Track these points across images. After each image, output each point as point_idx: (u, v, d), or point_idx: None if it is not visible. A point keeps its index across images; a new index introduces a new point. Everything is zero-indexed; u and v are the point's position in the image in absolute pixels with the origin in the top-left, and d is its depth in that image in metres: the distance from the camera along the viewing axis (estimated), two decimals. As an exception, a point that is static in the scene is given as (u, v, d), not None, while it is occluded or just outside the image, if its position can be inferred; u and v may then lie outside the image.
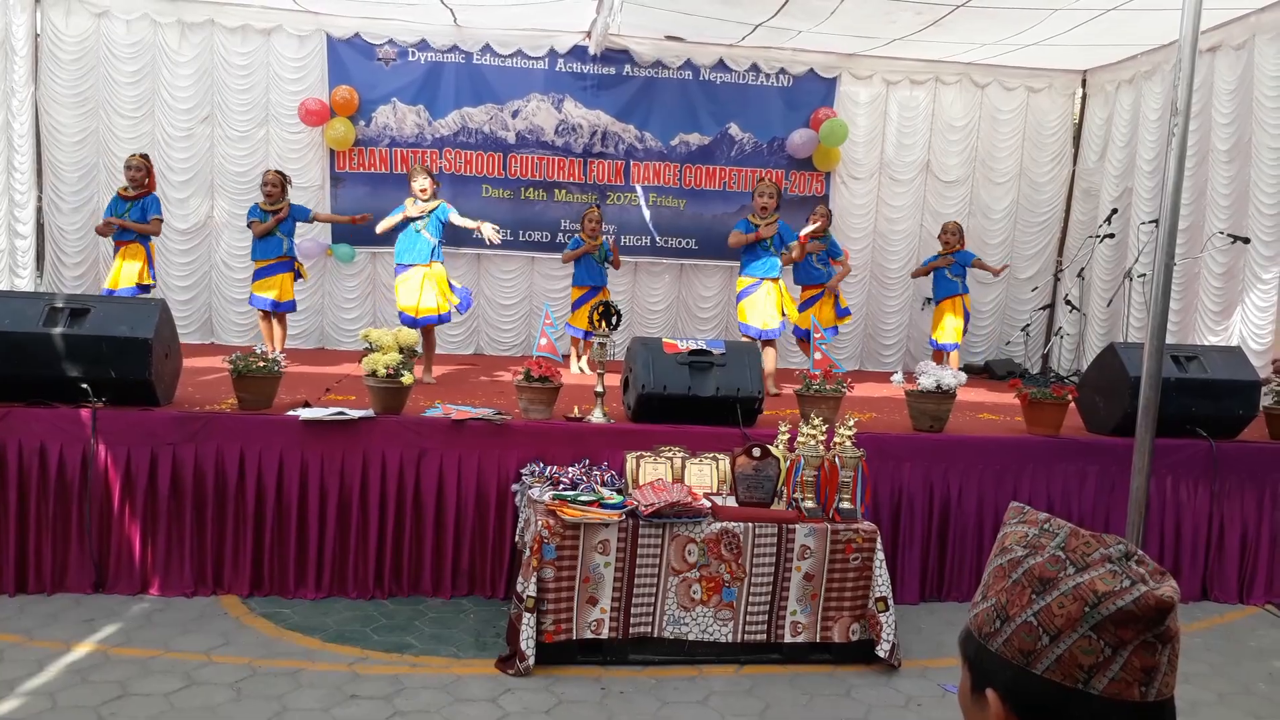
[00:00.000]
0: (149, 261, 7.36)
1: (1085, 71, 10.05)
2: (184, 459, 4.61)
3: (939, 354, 8.46)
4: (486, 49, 9.42)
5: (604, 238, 8.28)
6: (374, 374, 4.85)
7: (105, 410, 4.59)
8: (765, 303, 7.06)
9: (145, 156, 7.53)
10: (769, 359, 6.86)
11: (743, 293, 7.20)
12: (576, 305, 8.10)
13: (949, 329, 8.38)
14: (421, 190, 7.09)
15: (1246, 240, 7.62)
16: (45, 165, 9.01)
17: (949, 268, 8.48)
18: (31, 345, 4.60)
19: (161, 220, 7.45)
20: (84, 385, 4.59)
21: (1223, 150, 8.00)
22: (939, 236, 8.67)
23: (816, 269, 8.20)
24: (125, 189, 7.34)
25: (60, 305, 4.77)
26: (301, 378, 6.69)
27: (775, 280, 7.10)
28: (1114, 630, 0.91)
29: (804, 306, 8.10)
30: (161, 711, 3.49)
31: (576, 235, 8.28)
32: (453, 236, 9.69)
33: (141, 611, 4.40)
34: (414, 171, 7.30)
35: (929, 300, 9.95)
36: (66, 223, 9.08)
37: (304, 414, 4.73)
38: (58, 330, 4.64)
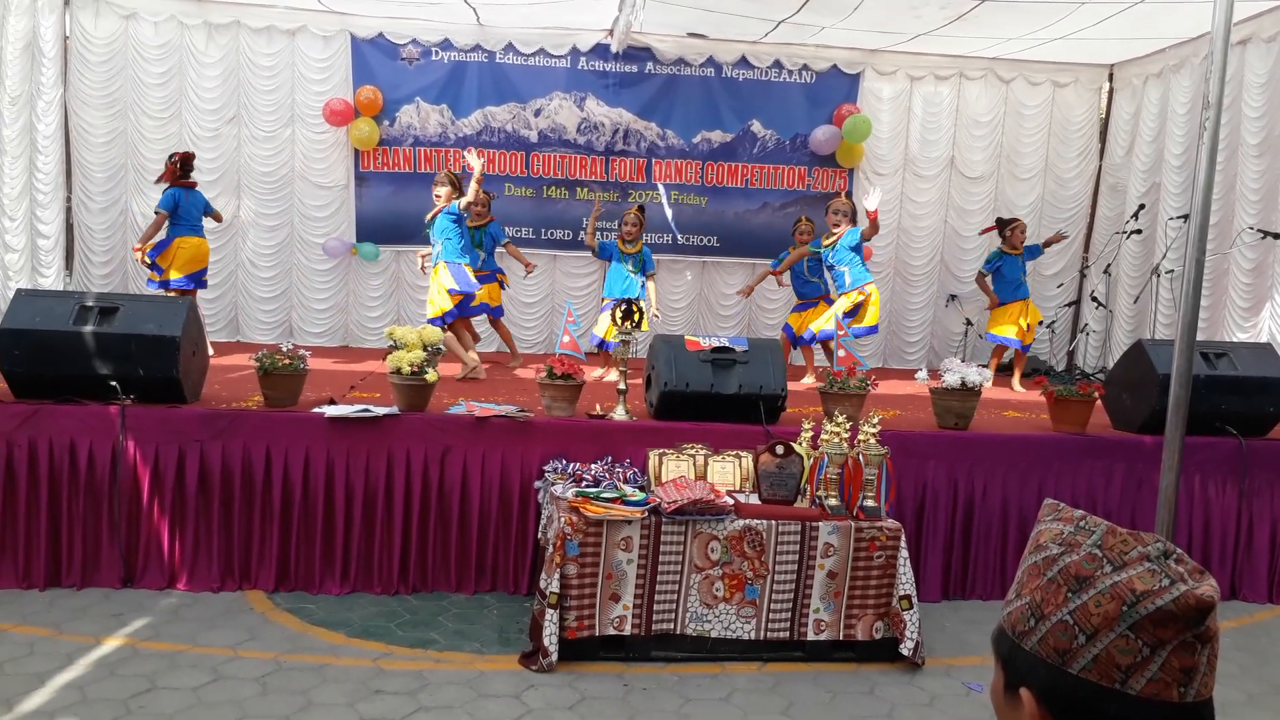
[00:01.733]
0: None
1: (1112, 66, 9.94)
2: (211, 455, 4.66)
3: (1006, 350, 8.31)
4: (509, 48, 9.43)
5: (643, 242, 8.03)
6: (398, 371, 4.88)
7: (134, 407, 4.64)
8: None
9: None
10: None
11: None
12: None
13: (1018, 328, 8.12)
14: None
15: (1277, 236, 7.52)
16: (74, 165, 9.10)
17: (1020, 261, 8.24)
18: (62, 343, 4.66)
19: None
20: (113, 383, 4.64)
21: (1253, 144, 7.89)
22: (1008, 236, 8.30)
23: (811, 281, 8.10)
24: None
25: (90, 304, 4.83)
26: (326, 375, 6.73)
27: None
28: (1153, 630, 0.89)
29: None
30: (189, 705, 3.53)
31: (612, 240, 8.09)
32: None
33: (169, 606, 4.45)
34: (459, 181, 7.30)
35: (953, 297, 9.90)
36: (95, 222, 9.18)
37: (329, 411, 4.76)
38: (87, 328, 4.70)
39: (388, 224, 9.44)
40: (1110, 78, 10.07)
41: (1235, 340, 7.66)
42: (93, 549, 4.62)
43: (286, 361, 4.92)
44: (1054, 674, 0.94)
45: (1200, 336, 7.97)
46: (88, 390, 4.68)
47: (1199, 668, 0.91)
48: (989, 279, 8.42)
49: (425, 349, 4.99)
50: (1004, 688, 1.00)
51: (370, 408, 4.83)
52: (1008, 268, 8.28)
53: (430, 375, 4.91)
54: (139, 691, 3.60)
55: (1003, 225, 8.45)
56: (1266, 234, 7.57)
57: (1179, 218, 8.32)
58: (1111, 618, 0.91)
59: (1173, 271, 8.27)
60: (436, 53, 9.39)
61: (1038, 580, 0.98)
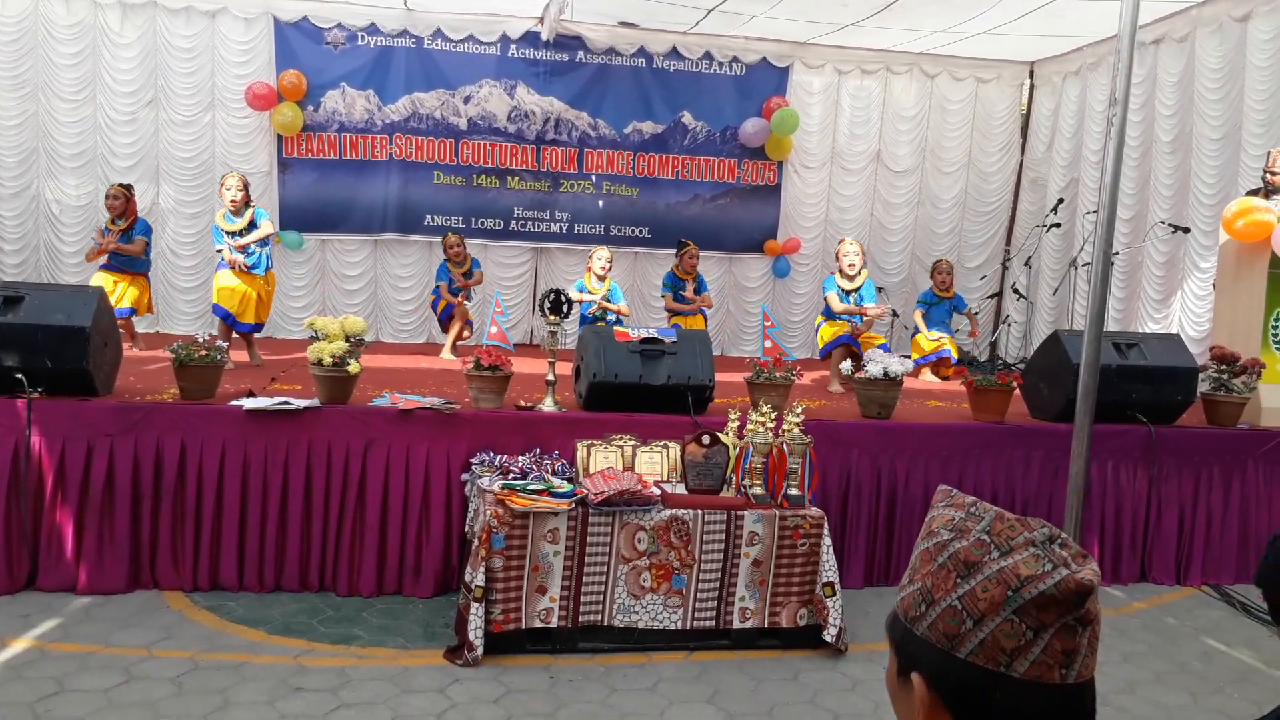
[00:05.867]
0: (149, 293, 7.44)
1: (1033, 63, 10.20)
2: (123, 450, 4.50)
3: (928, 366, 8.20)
4: (438, 33, 9.31)
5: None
6: (320, 362, 4.78)
7: (41, 400, 4.47)
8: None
9: (126, 186, 7.42)
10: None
11: None
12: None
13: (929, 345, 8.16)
14: (232, 201, 6.91)
15: (1187, 230, 7.79)
16: (-20, 149, 8.75)
17: (945, 307, 8.29)
18: (-37, 334, 4.47)
19: (147, 242, 7.32)
20: (19, 375, 4.46)
21: (1166, 141, 8.17)
22: (933, 275, 8.35)
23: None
24: (111, 221, 7.25)
25: (-7, 293, 4.64)
26: (246, 367, 6.57)
27: None
28: (1035, 614, 0.91)
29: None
30: (99, 708, 3.42)
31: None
32: (405, 223, 9.60)
33: (80, 607, 4.30)
34: (226, 180, 7.02)
35: (879, 289, 10.05)
36: (6, 209, 8.84)
37: (248, 404, 4.64)
38: (-10, 318, 4.51)
39: (312, 211, 9.28)
40: (1031, 75, 10.33)
41: (1148, 331, 7.92)
42: (-2, 548, 4.44)
43: (203, 353, 4.78)
44: (943, 658, 0.95)
45: (1116, 327, 8.27)
46: (-9, 383, 4.49)
47: (1080, 649, 0.93)
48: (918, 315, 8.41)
49: (348, 340, 4.90)
50: (897, 673, 1.02)
51: (290, 400, 4.72)
52: (935, 310, 8.33)
53: (353, 366, 4.82)
54: (47, 694, 3.47)
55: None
56: (1176, 228, 7.84)
57: (1096, 212, 8.56)
58: (997, 602, 0.92)
59: (1090, 264, 8.51)
60: (363, 37, 9.23)
61: (929, 566, 0.99)
